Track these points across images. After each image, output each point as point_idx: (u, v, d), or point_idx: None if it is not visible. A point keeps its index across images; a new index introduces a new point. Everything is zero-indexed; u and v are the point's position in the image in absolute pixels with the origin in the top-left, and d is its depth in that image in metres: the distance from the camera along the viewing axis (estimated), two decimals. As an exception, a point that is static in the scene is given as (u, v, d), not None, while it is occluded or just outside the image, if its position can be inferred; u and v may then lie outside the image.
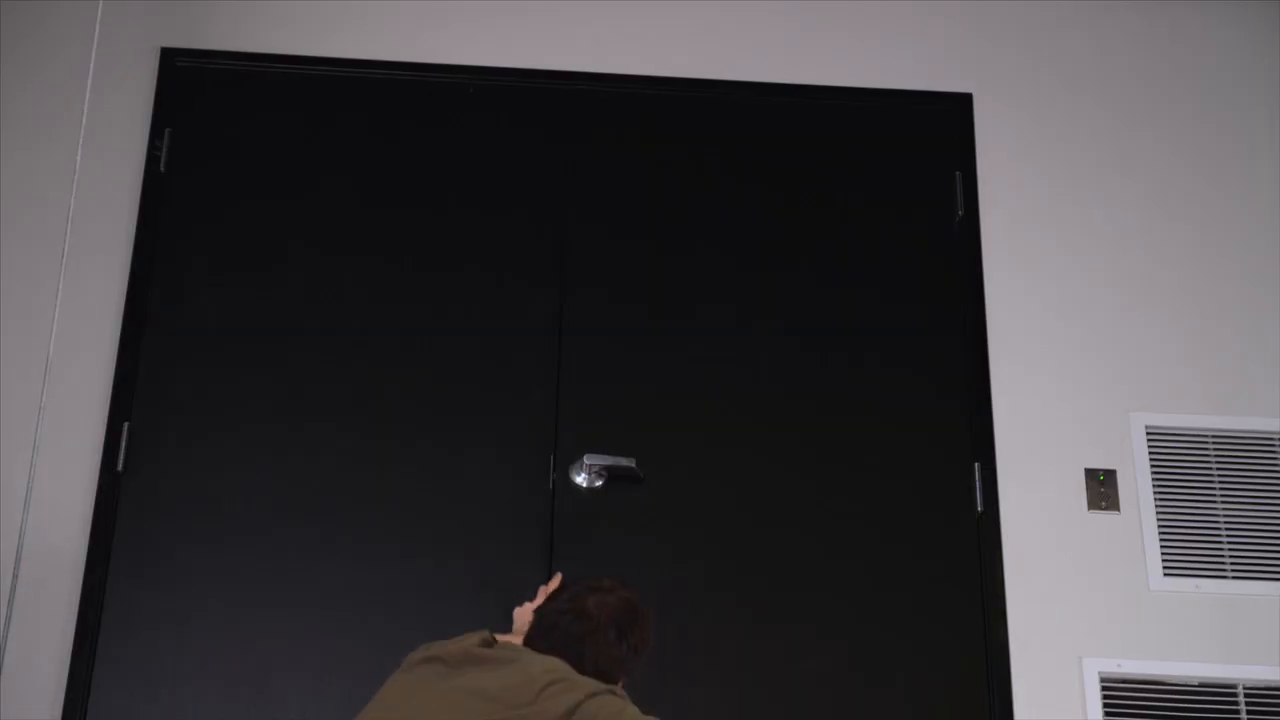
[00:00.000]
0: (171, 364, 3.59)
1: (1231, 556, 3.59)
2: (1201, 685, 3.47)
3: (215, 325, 3.63)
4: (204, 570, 3.42)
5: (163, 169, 3.75)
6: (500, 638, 2.68)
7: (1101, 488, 3.62)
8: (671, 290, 3.72)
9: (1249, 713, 3.45)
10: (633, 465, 3.48)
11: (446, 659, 2.58)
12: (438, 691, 2.53)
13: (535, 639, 2.66)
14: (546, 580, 3.36)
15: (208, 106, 3.83)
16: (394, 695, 2.58)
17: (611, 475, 3.51)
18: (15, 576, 3.21)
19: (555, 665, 2.54)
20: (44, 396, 3.28)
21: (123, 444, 3.51)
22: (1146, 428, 3.68)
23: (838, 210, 3.85)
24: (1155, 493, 3.63)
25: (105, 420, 3.52)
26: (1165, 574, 3.54)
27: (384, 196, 3.78)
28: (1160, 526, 3.59)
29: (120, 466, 3.49)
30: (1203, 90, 4.06)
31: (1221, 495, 3.64)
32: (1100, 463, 3.65)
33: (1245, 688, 3.47)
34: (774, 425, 3.63)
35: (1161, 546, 3.57)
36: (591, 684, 2.50)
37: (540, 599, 3.14)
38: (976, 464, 3.63)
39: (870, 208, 3.85)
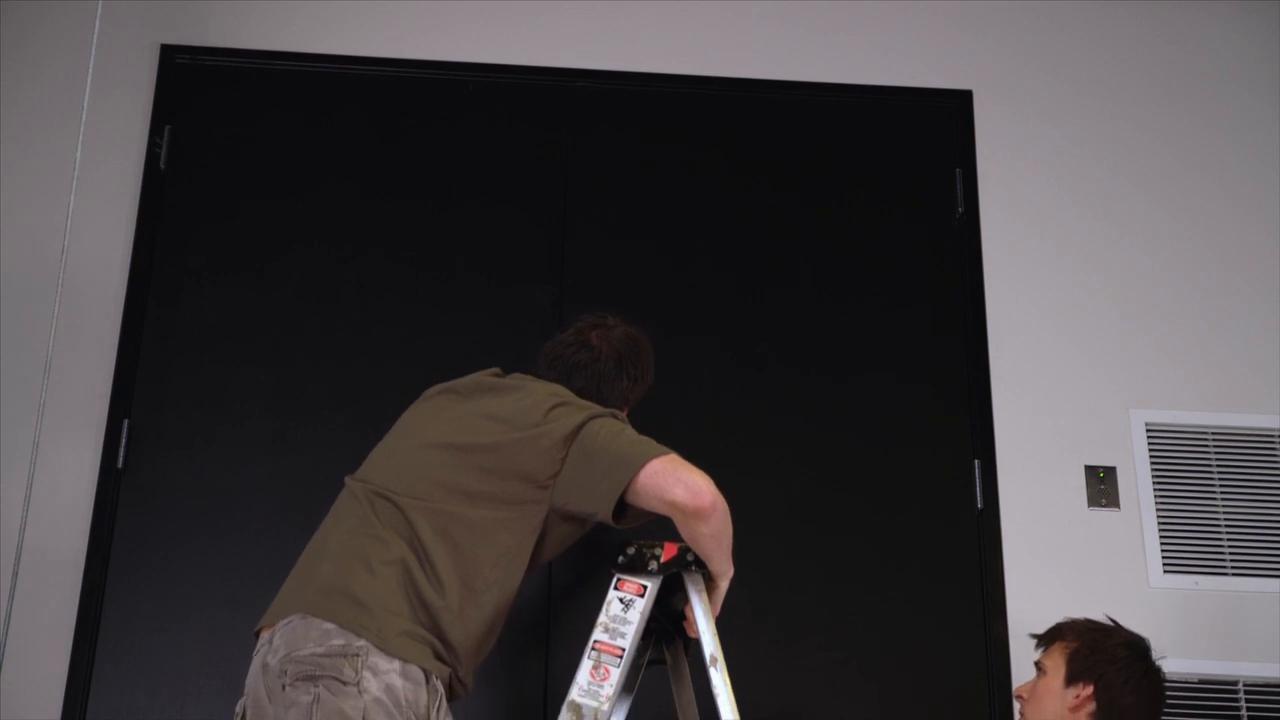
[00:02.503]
0: (172, 361, 3.59)
1: (1231, 553, 3.59)
2: (1202, 682, 3.47)
3: (215, 322, 3.63)
4: (204, 568, 3.42)
5: (163, 166, 3.75)
6: None
7: (1101, 485, 3.63)
8: (670, 287, 3.72)
9: (1249, 709, 3.45)
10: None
11: (459, 389, 2.74)
12: (454, 415, 2.67)
13: (542, 370, 2.80)
14: (546, 581, 3.36)
15: (208, 104, 3.83)
16: (413, 421, 2.73)
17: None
18: (15, 574, 3.21)
19: (559, 389, 2.69)
20: (44, 394, 3.28)
21: (123, 441, 3.51)
22: (1146, 425, 3.68)
23: (838, 207, 3.85)
24: (1155, 490, 3.63)
25: (105, 418, 3.52)
26: (1165, 571, 3.54)
27: (383, 194, 3.78)
28: (1160, 523, 3.60)
29: (120, 464, 3.49)
30: (1203, 88, 4.06)
31: (1221, 492, 3.64)
32: (1100, 460, 3.65)
33: (1245, 684, 3.48)
34: (773, 423, 3.63)
35: (1161, 544, 3.58)
36: (594, 406, 2.63)
37: None
38: (976, 461, 3.64)
39: (870, 205, 3.86)
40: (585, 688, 2.42)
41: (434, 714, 2.41)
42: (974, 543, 3.58)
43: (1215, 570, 3.57)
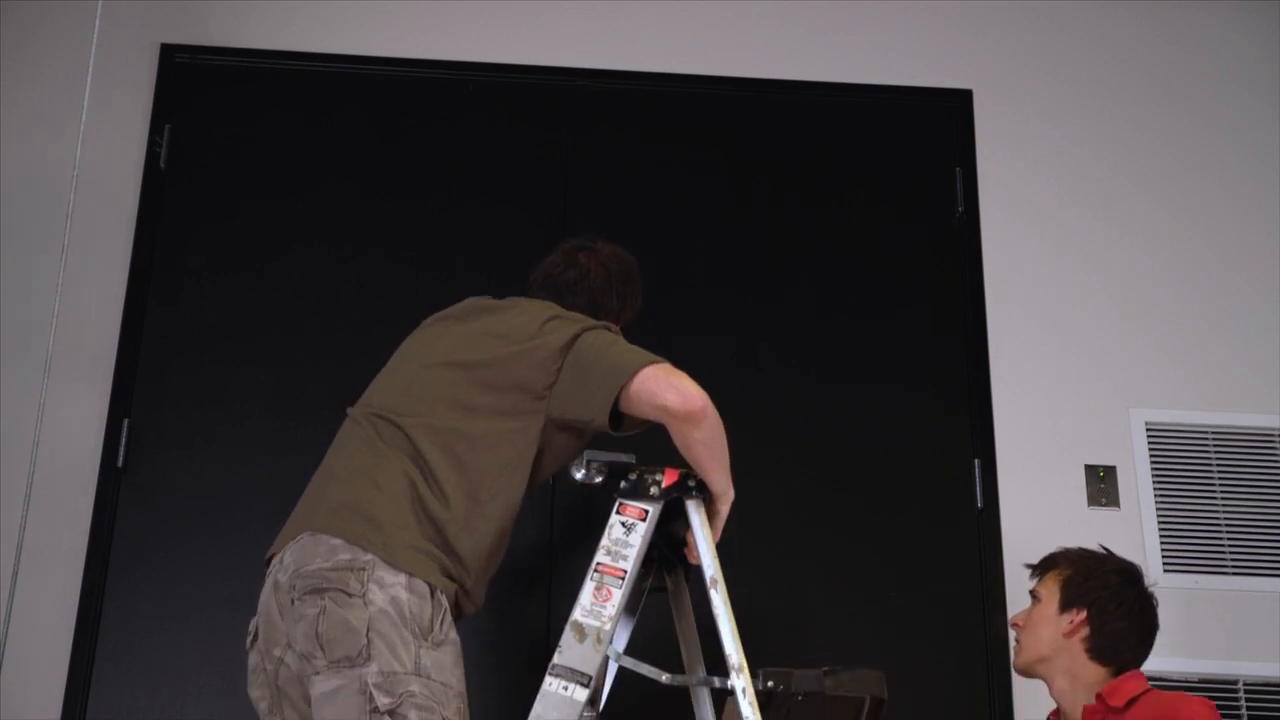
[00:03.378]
0: (172, 361, 3.59)
1: (1232, 553, 3.59)
2: (1202, 681, 3.47)
3: (215, 322, 3.63)
4: (204, 567, 3.42)
5: (163, 165, 3.75)
6: None
7: (1102, 484, 3.62)
8: (670, 285, 3.72)
9: (1249, 708, 3.45)
10: (632, 461, 3.48)
11: (455, 314, 2.82)
12: (452, 336, 2.74)
13: (534, 291, 2.87)
14: (547, 574, 3.36)
15: (208, 103, 3.83)
16: (411, 347, 2.79)
17: (611, 472, 3.50)
18: (15, 574, 3.21)
19: (553, 306, 2.78)
20: (44, 393, 3.28)
21: (123, 440, 3.51)
22: (1147, 424, 3.68)
23: (838, 207, 3.85)
24: (1155, 489, 3.63)
25: (105, 417, 3.52)
26: (1165, 570, 3.54)
27: (383, 193, 3.78)
28: (1160, 523, 3.60)
29: (120, 463, 3.49)
30: (1203, 88, 4.06)
31: (1221, 491, 3.64)
32: (1100, 459, 3.65)
33: (1246, 683, 3.48)
34: (773, 423, 3.63)
35: (1161, 543, 3.58)
36: (588, 320, 2.70)
37: None
38: (976, 460, 3.64)
39: (870, 204, 3.86)
40: (588, 608, 2.46)
41: (437, 628, 2.43)
42: (974, 542, 3.57)
43: (1215, 570, 3.57)
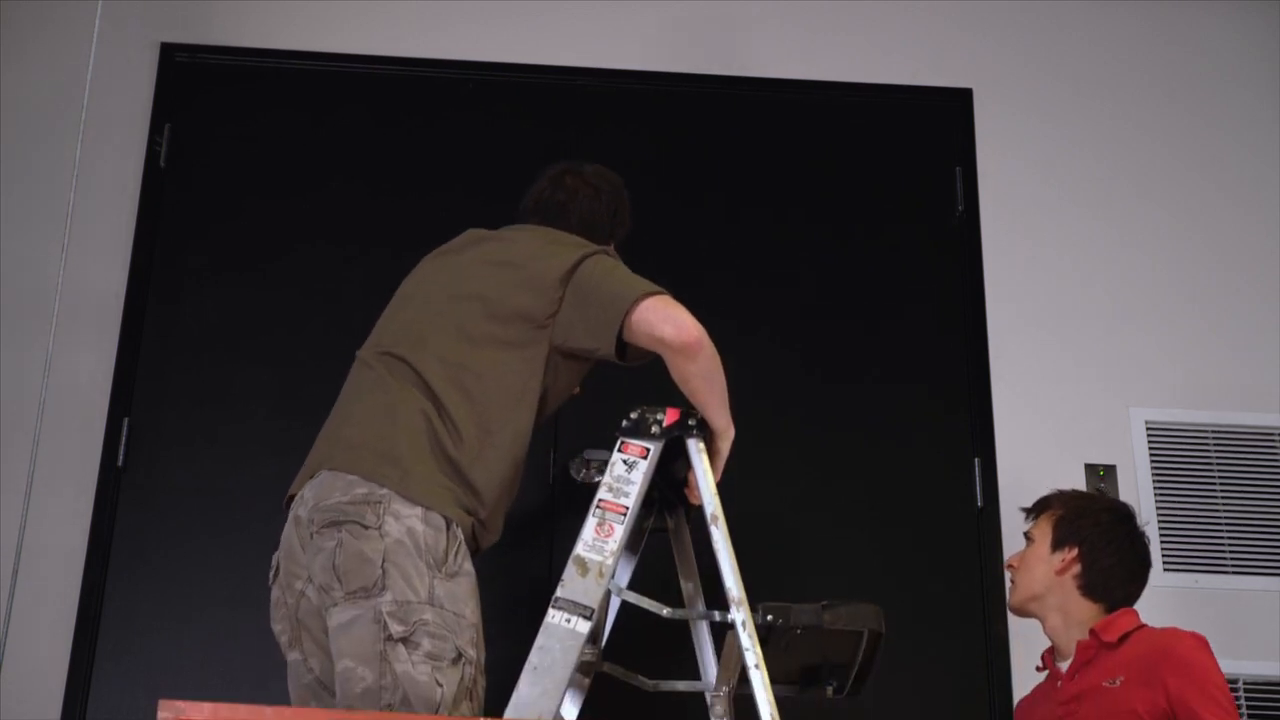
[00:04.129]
0: (172, 359, 3.59)
1: (1232, 552, 3.59)
2: None
3: (216, 321, 3.63)
4: (204, 567, 3.42)
5: (163, 164, 3.76)
6: None
7: (1101, 483, 3.63)
8: (669, 284, 3.71)
9: (1249, 708, 3.45)
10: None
11: (453, 248, 2.85)
12: (452, 269, 2.78)
13: (524, 218, 2.90)
14: (547, 573, 3.36)
15: (207, 102, 3.83)
16: (413, 284, 2.82)
17: None
18: (15, 572, 3.20)
19: (549, 231, 2.82)
20: (44, 391, 3.28)
21: (123, 439, 3.51)
22: (1146, 423, 3.69)
23: (838, 206, 3.85)
24: (1155, 488, 3.63)
25: (105, 416, 3.52)
26: (1165, 569, 3.54)
27: (384, 192, 3.78)
28: (1160, 522, 3.60)
29: (120, 462, 3.50)
30: (1203, 88, 4.06)
31: (1222, 491, 3.64)
32: (1100, 458, 3.66)
33: (1245, 683, 3.48)
34: (773, 422, 3.62)
35: (1161, 542, 3.58)
36: (586, 244, 2.73)
37: None
38: (976, 459, 3.64)
39: (870, 203, 3.86)
40: (590, 543, 2.49)
41: (451, 559, 2.46)
42: (974, 542, 3.57)
43: (1215, 569, 3.57)
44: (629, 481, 2.56)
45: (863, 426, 3.65)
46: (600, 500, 2.54)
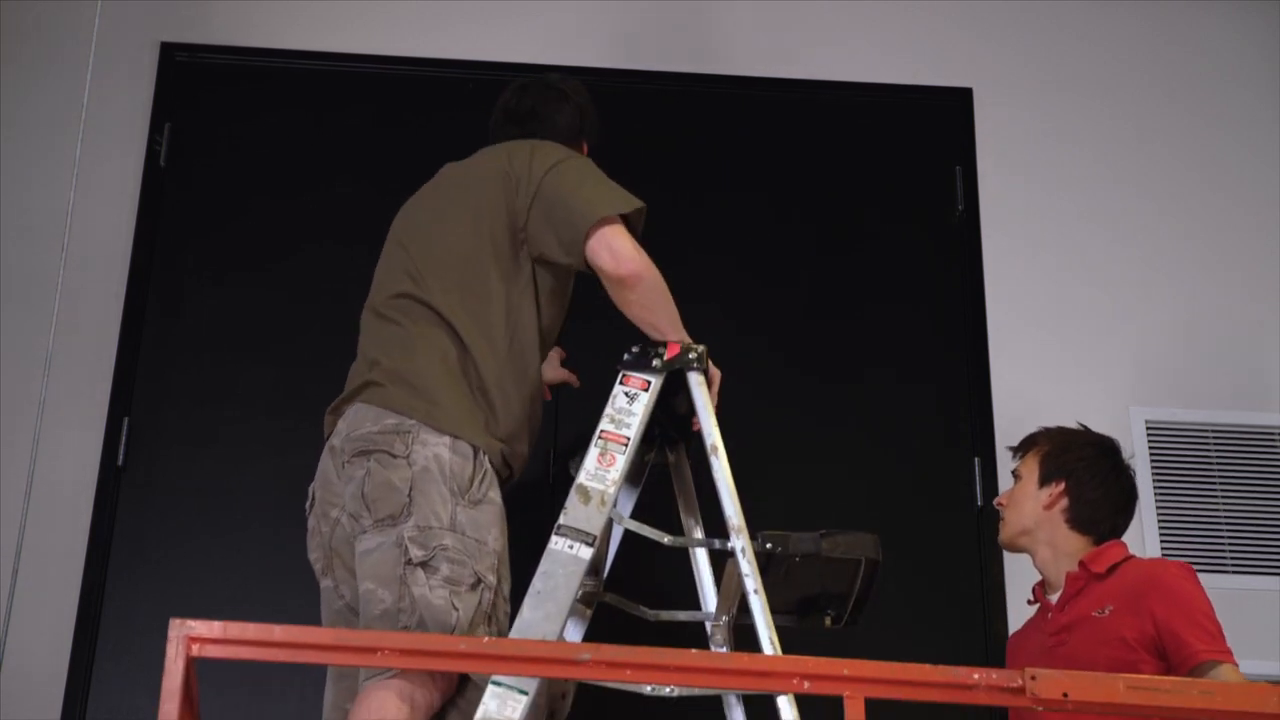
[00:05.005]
0: (172, 359, 3.59)
1: (1232, 551, 3.60)
2: (1202, 679, 3.47)
3: (216, 320, 3.63)
4: (205, 566, 3.42)
5: (163, 163, 3.76)
6: None
7: (1102, 482, 3.62)
8: (669, 282, 3.72)
9: (1250, 707, 3.45)
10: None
11: (425, 188, 2.93)
12: (431, 199, 2.88)
13: (495, 136, 2.96)
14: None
15: (207, 101, 3.83)
16: (398, 231, 2.89)
17: None
18: (15, 572, 3.20)
19: (516, 143, 2.85)
20: (44, 391, 3.28)
21: (123, 439, 3.51)
22: (1146, 422, 3.69)
23: (837, 205, 3.85)
24: (1155, 487, 3.63)
25: (105, 415, 3.52)
26: (1165, 568, 3.54)
27: (384, 192, 3.75)
28: (1160, 521, 3.60)
29: (121, 462, 3.49)
30: (1203, 88, 4.07)
31: (1222, 490, 3.65)
32: (1100, 457, 3.65)
33: (1245, 682, 3.47)
34: (773, 421, 3.62)
35: (1161, 541, 3.58)
36: (553, 150, 2.78)
37: None
38: (976, 459, 3.64)
39: (870, 202, 3.86)
40: (592, 472, 2.54)
41: (475, 486, 2.53)
42: (974, 541, 3.57)
43: (1215, 568, 3.57)
44: (630, 413, 2.61)
45: (862, 426, 3.65)
46: (602, 431, 2.59)
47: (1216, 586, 3.52)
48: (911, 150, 3.93)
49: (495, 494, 2.58)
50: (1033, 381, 3.73)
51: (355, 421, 2.61)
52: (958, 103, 3.97)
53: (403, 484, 2.49)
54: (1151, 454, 3.66)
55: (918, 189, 3.89)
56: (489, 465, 2.58)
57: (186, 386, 3.56)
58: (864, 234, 3.83)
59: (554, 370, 3.20)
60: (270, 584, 3.40)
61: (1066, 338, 3.78)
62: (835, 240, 3.82)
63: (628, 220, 2.71)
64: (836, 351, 3.72)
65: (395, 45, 3.91)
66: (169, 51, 3.86)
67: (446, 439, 2.53)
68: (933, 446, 3.65)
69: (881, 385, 3.70)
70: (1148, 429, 3.68)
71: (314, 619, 3.35)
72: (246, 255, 3.70)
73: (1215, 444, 3.69)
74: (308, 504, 2.72)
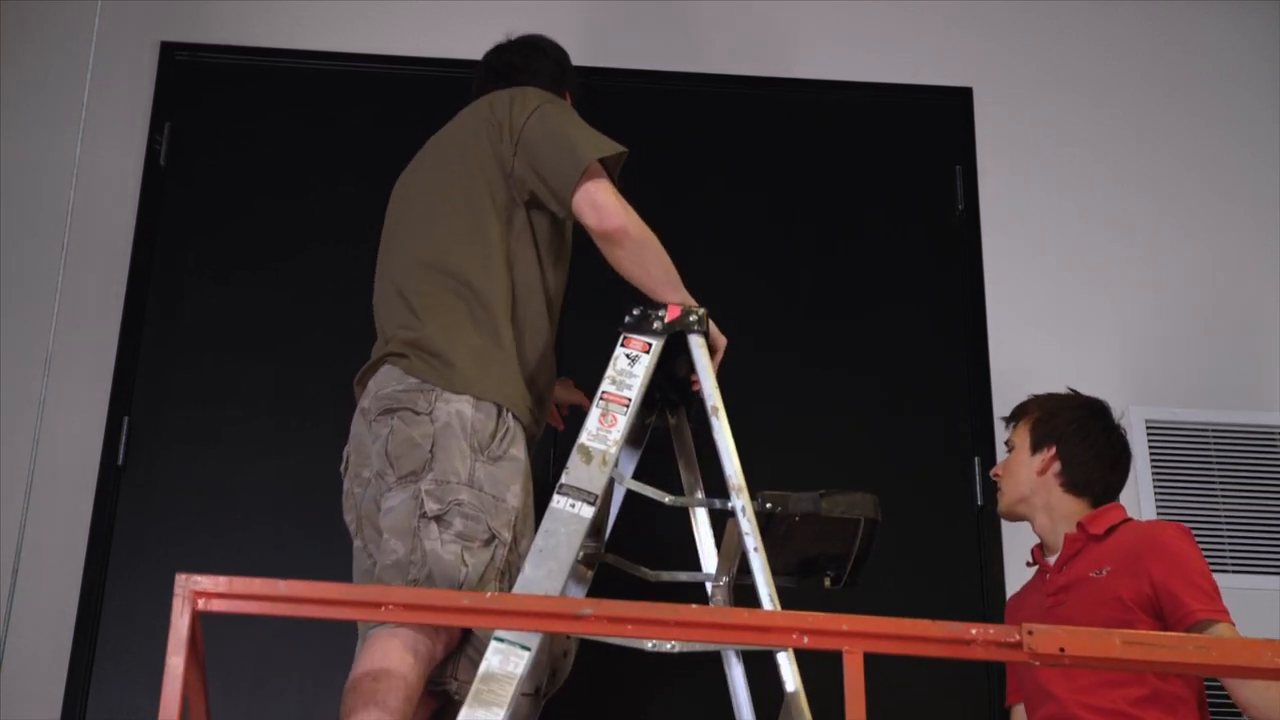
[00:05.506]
0: (172, 358, 3.59)
1: (1231, 550, 3.60)
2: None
3: (216, 319, 3.63)
4: (205, 566, 3.38)
5: (163, 163, 3.76)
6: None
7: (1102, 482, 3.63)
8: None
9: (1250, 707, 3.45)
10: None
11: (433, 140, 2.94)
12: (422, 169, 2.88)
13: (478, 94, 2.97)
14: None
15: (207, 100, 3.83)
16: (394, 208, 2.91)
17: None
18: (15, 571, 3.20)
19: (494, 95, 2.86)
20: (44, 390, 3.28)
21: (123, 438, 3.51)
22: (1146, 421, 3.69)
23: (837, 204, 3.85)
24: (1155, 486, 3.64)
25: (105, 414, 3.52)
26: (1165, 567, 3.54)
27: (384, 192, 3.75)
28: (1160, 519, 3.60)
29: (121, 461, 3.49)
30: (1203, 87, 4.07)
31: (1221, 489, 3.65)
32: (1101, 456, 3.65)
33: (1246, 683, 3.47)
34: (773, 420, 3.63)
35: (1162, 540, 3.58)
36: (530, 96, 2.80)
37: None
38: (976, 458, 3.64)
39: (870, 202, 3.86)
40: (594, 432, 2.55)
41: (496, 443, 2.56)
42: (974, 540, 3.57)
43: (1215, 567, 3.53)
44: (631, 374, 2.63)
45: (862, 425, 3.65)
46: (603, 392, 2.60)
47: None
48: (912, 150, 3.93)
49: (518, 451, 2.60)
50: (1033, 381, 3.72)
51: (382, 381, 2.65)
52: (958, 102, 3.97)
53: (424, 440, 2.52)
54: (1151, 453, 3.66)
55: (918, 188, 3.89)
56: (513, 422, 2.60)
57: (187, 386, 3.56)
58: (864, 233, 3.83)
59: (568, 392, 3.21)
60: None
61: (1066, 337, 3.78)
62: (835, 239, 3.82)
63: (611, 168, 2.75)
64: (836, 351, 3.72)
65: (397, 45, 3.91)
66: (169, 51, 3.86)
67: (469, 397, 2.57)
68: (932, 446, 3.65)
69: (881, 383, 3.70)
70: (1148, 428, 3.68)
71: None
72: (247, 254, 3.70)
73: (1215, 443, 3.69)
74: (342, 466, 2.77)
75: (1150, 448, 3.66)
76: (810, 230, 3.82)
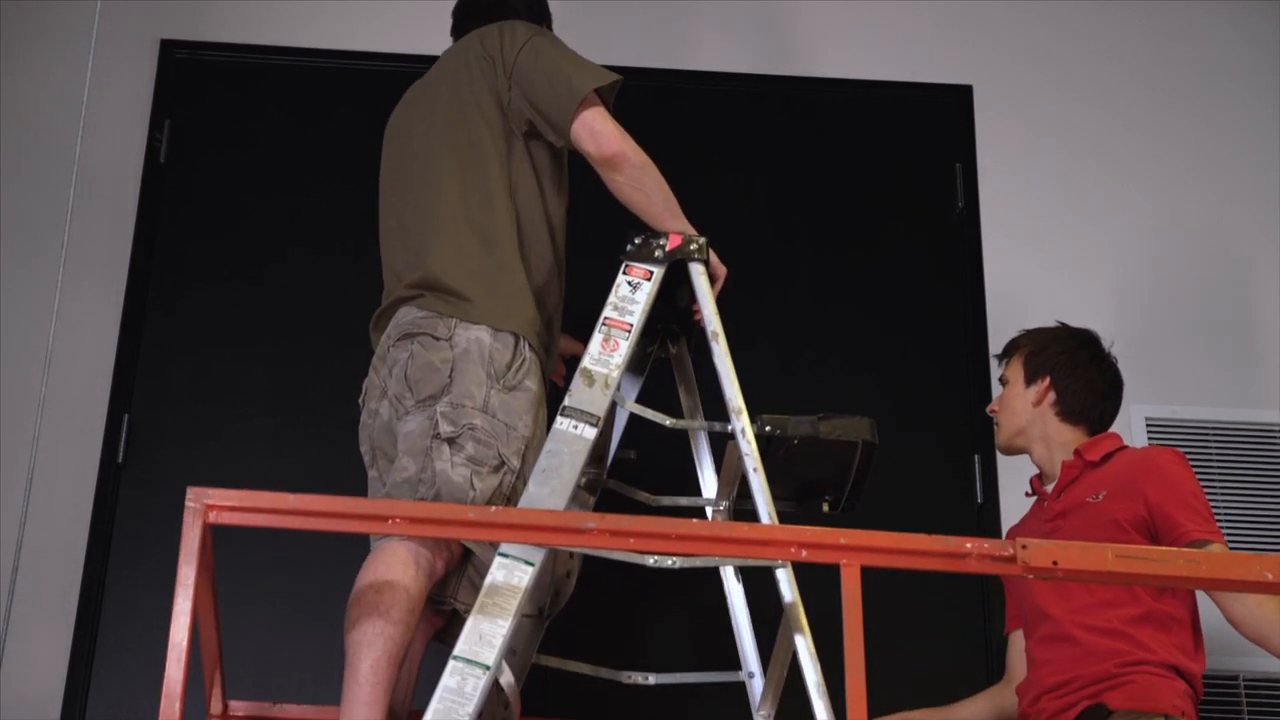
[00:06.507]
0: (172, 356, 3.59)
1: (1231, 548, 3.58)
2: (1202, 677, 3.47)
3: (216, 317, 3.63)
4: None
5: (163, 160, 3.76)
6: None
7: (1102, 480, 3.63)
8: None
9: (1250, 704, 3.45)
10: (632, 456, 3.48)
11: (417, 84, 2.98)
12: (412, 113, 2.91)
13: (457, 33, 2.99)
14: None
15: (207, 98, 3.83)
16: (385, 177, 2.91)
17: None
18: (15, 570, 3.20)
19: (492, 24, 2.85)
20: (44, 388, 3.28)
21: (123, 436, 3.51)
22: (1146, 419, 3.69)
23: (837, 202, 3.85)
24: (1155, 484, 3.63)
25: (105, 412, 3.52)
26: (1165, 566, 3.54)
27: (384, 189, 3.78)
28: (1155, 445, 3.59)
29: (120, 459, 3.49)
30: (1203, 86, 4.07)
31: (1221, 487, 3.65)
32: (1100, 454, 3.65)
33: (1245, 679, 3.48)
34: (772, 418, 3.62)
35: (1161, 538, 3.58)
36: (516, 29, 2.84)
37: None
38: (976, 456, 3.64)
39: (870, 200, 3.86)
40: (596, 357, 2.60)
41: (512, 373, 2.60)
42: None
43: (1215, 565, 3.57)
44: (633, 300, 2.68)
45: (862, 423, 3.65)
46: (606, 318, 2.64)
47: (1216, 584, 3.55)
48: (911, 148, 3.93)
49: (532, 382, 2.63)
50: (1033, 379, 3.73)
51: (402, 314, 2.68)
52: (958, 100, 3.97)
53: (444, 365, 2.56)
54: (1152, 451, 3.66)
55: (918, 186, 3.89)
56: (529, 353, 2.64)
57: (187, 384, 3.56)
58: (864, 231, 3.83)
59: (569, 343, 3.22)
60: (269, 583, 3.40)
61: (1066, 335, 3.78)
62: (835, 237, 3.82)
63: (605, 97, 2.77)
64: (835, 350, 3.72)
65: (398, 43, 3.91)
66: (169, 49, 3.86)
67: (487, 327, 2.60)
68: (932, 445, 3.65)
69: (881, 381, 3.69)
70: (1148, 425, 3.68)
71: (310, 613, 3.37)
72: (247, 253, 3.70)
73: (1215, 441, 3.69)
74: (360, 398, 2.79)
75: (1150, 445, 3.66)
76: (809, 228, 3.82)
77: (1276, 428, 3.71)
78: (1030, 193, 3.92)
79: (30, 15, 3.87)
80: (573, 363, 3.30)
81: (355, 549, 2.62)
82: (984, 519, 3.57)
